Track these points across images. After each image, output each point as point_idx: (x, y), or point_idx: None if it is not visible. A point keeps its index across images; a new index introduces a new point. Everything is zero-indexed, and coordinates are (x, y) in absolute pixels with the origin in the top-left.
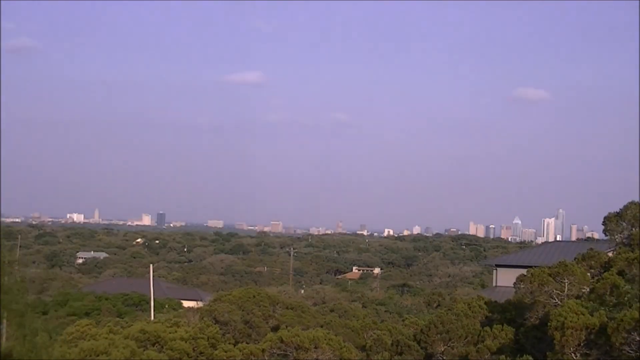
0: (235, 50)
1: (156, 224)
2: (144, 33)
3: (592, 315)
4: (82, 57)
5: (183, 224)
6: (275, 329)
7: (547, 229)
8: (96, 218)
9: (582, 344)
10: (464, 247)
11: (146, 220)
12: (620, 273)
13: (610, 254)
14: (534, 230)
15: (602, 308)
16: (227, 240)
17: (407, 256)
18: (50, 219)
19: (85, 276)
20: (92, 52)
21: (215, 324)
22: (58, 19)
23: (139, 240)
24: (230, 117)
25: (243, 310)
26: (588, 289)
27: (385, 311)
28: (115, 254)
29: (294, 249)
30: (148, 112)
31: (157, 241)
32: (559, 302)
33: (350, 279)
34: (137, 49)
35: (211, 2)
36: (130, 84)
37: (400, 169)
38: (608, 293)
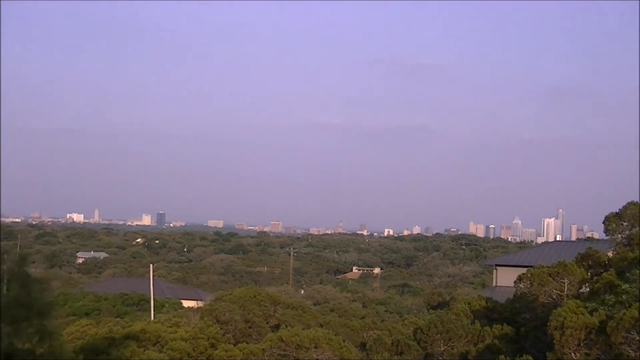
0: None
1: (156, 224)
2: (140, 34)
3: (591, 315)
4: (82, 60)
5: (183, 224)
6: (275, 328)
7: (547, 229)
8: (96, 218)
9: (581, 344)
10: (464, 247)
11: (146, 220)
12: (620, 273)
13: (610, 254)
14: (534, 230)
15: (602, 307)
16: (227, 240)
17: (407, 256)
18: (50, 219)
19: (85, 276)
20: (92, 55)
21: (216, 323)
22: (58, 21)
23: (139, 240)
24: (230, 116)
25: (244, 310)
26: (587, 289)
27: (385, 311)
28: (115, 254)
29: (294, 249)
30: (148, 111)
31: (157, 241)
32: (559, 302)
33: (350, 279)
34: (137, 50)
35: None
36: (129, 82)
37: (400, 169)
38: (607, 292)
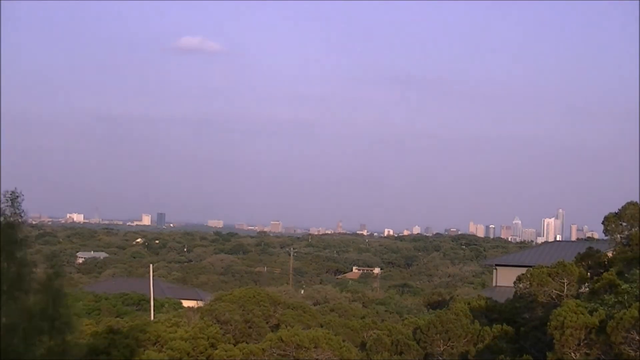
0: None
1: (156, 224)
2: (139, 33)
3: (591, 315)
4: (82, 60)
5: (183, 224)
6: (275, 328)
7: (547, 229)
8: (96, 218)
9: (581, 343)
10: (464, 247)
11: (146, 220)
12: (620, 273)
13: (610, 254)
14: (534, 230)
15: (602, 307)
16: (227, 240)
17: (407, 256)
18: (50, 219)
19: (85, 276)
20: (92, 54)
21: (215, 323)
22: (57, 20)
23: (139, 240)
24: (231, 116)
25: (244, 310)
26: (587, 289)
27: (385, 311)
28: (115, 254)
29: (294, 249)
30: (148, 110)
31: (157, 241)
32: (559, 302)
33: (350, 279)
34: (136, 47)
35: None
36: (130, 81)
37: (400, 169)
38: (607, 292)
